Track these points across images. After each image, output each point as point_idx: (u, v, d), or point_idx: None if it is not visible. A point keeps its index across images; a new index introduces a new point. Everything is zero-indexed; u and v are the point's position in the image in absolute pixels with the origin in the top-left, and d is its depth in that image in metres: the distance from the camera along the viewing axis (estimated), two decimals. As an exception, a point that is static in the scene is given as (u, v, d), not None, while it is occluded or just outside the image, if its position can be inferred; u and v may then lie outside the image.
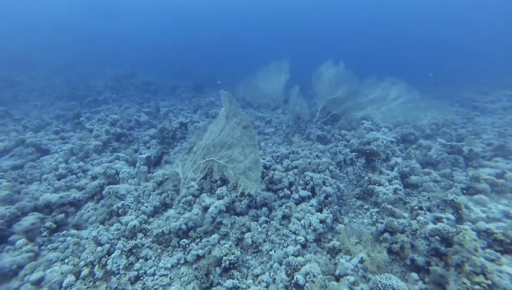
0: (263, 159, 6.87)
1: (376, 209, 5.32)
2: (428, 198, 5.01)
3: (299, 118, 10.97)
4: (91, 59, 28.11)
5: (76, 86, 17.34)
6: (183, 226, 4.85)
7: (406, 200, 5.64)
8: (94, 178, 6.60)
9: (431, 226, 3.79)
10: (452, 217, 4.16)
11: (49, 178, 6.30)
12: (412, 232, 3.85)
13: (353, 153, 7.58)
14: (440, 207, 4.61)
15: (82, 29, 49.62)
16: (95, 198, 6.16)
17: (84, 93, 16.43)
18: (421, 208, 4.36)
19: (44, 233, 4.59)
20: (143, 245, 4.66)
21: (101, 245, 4.27)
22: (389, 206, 4.86)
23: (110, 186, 6.08)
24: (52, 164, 7.10)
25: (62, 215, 5.14)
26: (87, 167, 7.53)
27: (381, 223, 4.61)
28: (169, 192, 5.97)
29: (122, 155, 8.17)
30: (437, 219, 4.12)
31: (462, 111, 13.00)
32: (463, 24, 63.59)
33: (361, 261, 3.64)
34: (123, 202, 5.58)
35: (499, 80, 18.91)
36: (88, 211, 5.50)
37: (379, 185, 6.10)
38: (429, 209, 4.66)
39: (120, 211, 5.43)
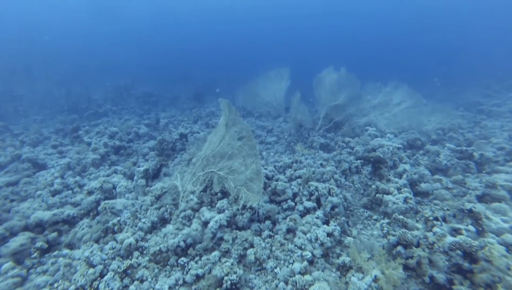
0: (265, 169, 6.61)
1: (386, 220, 5.01)
2: (448, 209, 4.67)
3: (301, 126, 10.75)
4: (92, 68, 28.33)
5: (76, 98, 17.33)
6: (182, 243, 4.56)
7: (418, 209, 5.32)
8: (90, 193, 6.35)
9: (450, 239, 3.48)
10: (472, 228, 3.83)
11: (43, 195, 6.07)
12: (429, 246, 3.53)
13: (358, 161, 7.31)
14: (457, 217, 4.29)
15: (83, 38, 50.48)
16: (91, 214, 5.90)
17: (85, 106, 16.38)
18: (436, 219, 4.05)
19: (35, 255, 4.32)
20: (139, 264, 4.37)
21: (93, 266, 3.98)
22: (401, 216, 4.56)
23: (106, 201, 5.83)
24: (47, 179, 6.88)
25: (55, 234, 4.87)
26: (84, 182, 7.31)
27: (393, 235, 4.30)
28: (167, 206, 5.70)
29: (120, 168, 7.95)
30: (455, 231, 3.80)
31: (467, 115, 12.73)
32: (462, 26, 63.97)
33: (375, 279, 3.32)
34: (119, 218, 5.31)
35: (502, 83, 18.66)
36: (83, 229, 5.23)
37: (387, 194, 5.80)
38: (444, 219, 4.35)
39: (116, 228, 5.16)
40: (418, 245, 3.68)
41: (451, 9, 61.30)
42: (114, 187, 6.63)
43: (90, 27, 60.22)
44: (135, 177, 6.83)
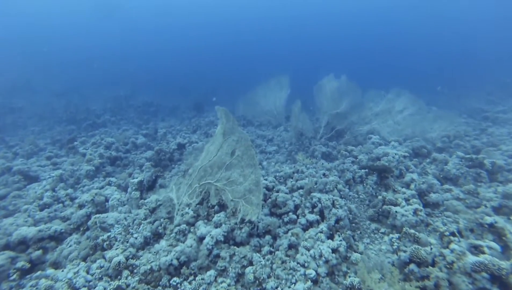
0: (265, 180, 6.29)
1: (396, 235, 4.64)
2: (463, 222, 4.28)
3: (302, 135, 10.49)
4: (93, 79, 28.37)
5: (75, 109, 17.20)
6: (175, 261, 4.22)
7: (429, 222, 4.96)
8: (81, 206, 6.04)
9: (472, 258, 3.11)
10: (496, 246, 3.44)
11: (30, 209, 5.75)
12: (448, 265, 3.16)
13: (363, 170, 6.98)
14: (475, 232, 3.93)
15: (83, 52, 51.16)
16: (81, 229, 5.57)
17: (83, 117, 16.21)
18: (453, 234, 3.69)
19: (13, 277, 3.96)
20: (128, 285, 4.02)
21: (76, 289, 3.64)
22: (412, 231, 4.20)
23: (97, 215, 5.50)
24: (37, 192, 6.58)
25: (39, 252, 4.54)
26: (76, 195, 7.00)
27: (404, 251, 3.95)
28: (161, 220, 5.37)
29: (115, 180, 7.66)
30: (476, 248, 3.43)
31: (472, 122, 12.44)
32: (463, 34, 64.38)
33: (388, 304, 2.96)
34: (109, 233, 4.98)
35: (506, 89, 18.45)
36: (70, 246, 4.90)
37: (395, 205, 5.46)
38: (459, 234, 3.98)
39: (105, 244, 4.82)
40: (433, 264, 3.32)
41: (452, 17, 62.03)
42: (107, 200, 6.32)
43: (91, 39, 61.39)
44: (129, 189, 6.52)
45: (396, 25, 69.83)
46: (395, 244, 4.27)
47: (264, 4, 66.75)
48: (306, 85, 12.51)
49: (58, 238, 5.04)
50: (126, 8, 58.89)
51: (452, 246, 3.39)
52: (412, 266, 3.56)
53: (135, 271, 4.31)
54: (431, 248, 3.54)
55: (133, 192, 6.38)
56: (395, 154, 7.20)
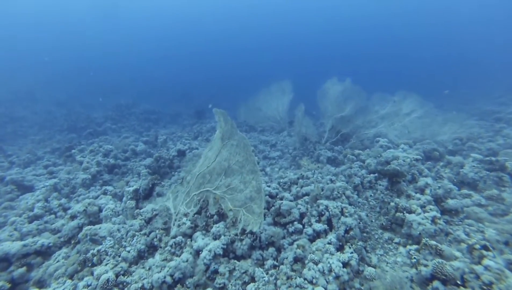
0: (269, 186, 5.90)
1: (414, 246, 4.19)
2: (505, 243, 3.72)
3: (306, 140, 10.11)
4: (93, 90, 28.39)
5: (76, 118, 17.08)
6: (168, 278, 3.81)
7: (448, 231, 4.50)
8: (73, 217, 5.69)
9: (514, 278, 2.65)
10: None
11: (17, 222, 5.41)
12: (484, 287, 2.70)
13: (372, 175, 6.56)
14: (510, 245, 3.45)
15: (85, 60, 51.84)
16: (72, 242, 5.21)
17: (84, 125, 16.07)
18: (485, 248, 3.24)
19: (-10, 298, 3.61)
20: (116, 306, 3.62)
21: (56, 313, 3.25)
22: (433, 242, 3.75)
23: (89, 227, 5.14)
24: (29, 203, 6.25)
25: (23, 270, 4.17)
26: (71, 205, 6.67)
27: (425, 266, 3.50)
28: (157, 231, 4.99)
29: (111, 188, 7.32)
30: (513, 264, 2.98)
31: (483, 124, 11.95)
32: (462, 37, 64.15)
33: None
34: (100, 247, 4.60)
35: (515, 91, 17.97)
36: (58, 261, 4.52)
37: (410, 213, 5.00)
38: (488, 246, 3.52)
39: (95, 259, 4.44)
40: (463, 283, 2.87)
41: (455, 21, 61.89)
42: (101, 210, 5.96)
43: (92, 47, 62.39)
44: (124, 199, 6.18)
45: (400, 30, 69.84)
46: (414, 257, 3.81)
47: (266, 10, 67.50)
48: (309, 90, 12.25)
49: (45, 253, 4.68)
50: (127, 15, 59.87)
51: (486, 262, 2.93)
52: (436, 283, 3.11)
53: (125, 289, 3.91)
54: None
55: (128, 201, 6.03)
56: (406, 157, 6.76)
